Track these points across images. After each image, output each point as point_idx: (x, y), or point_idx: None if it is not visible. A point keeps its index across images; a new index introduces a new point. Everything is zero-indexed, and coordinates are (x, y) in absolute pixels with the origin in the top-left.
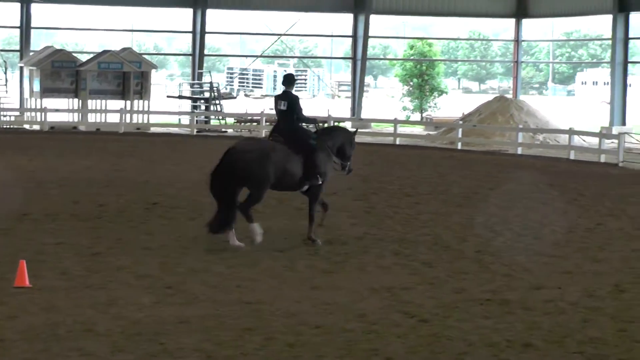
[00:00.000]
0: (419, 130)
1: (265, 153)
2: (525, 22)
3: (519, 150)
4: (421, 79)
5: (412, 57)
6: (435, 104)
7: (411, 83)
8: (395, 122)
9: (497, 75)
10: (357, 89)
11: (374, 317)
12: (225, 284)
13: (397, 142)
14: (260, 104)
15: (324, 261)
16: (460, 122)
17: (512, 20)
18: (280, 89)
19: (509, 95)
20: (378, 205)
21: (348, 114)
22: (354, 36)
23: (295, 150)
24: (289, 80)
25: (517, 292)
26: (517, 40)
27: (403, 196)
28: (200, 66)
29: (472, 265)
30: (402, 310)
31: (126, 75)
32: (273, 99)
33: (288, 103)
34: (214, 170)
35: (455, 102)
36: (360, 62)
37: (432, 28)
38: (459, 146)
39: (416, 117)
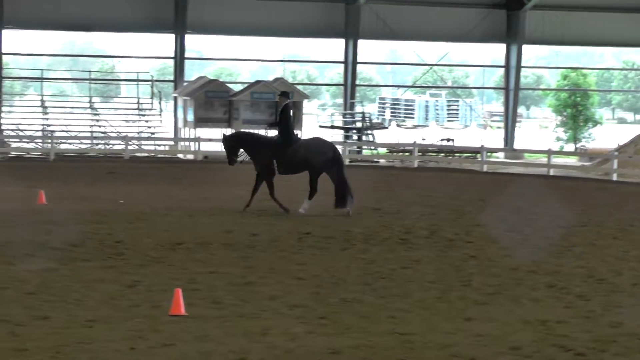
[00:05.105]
0: (572, 161)
1: None
2: None
3: None
4: (575, 109)
5: (565, 88)
6: (589, 135)
7: (565, 113)
8: (549, 152)
9: None
10: (509, 120)
11: (528, 350)
12: (377, 315)
13: (551, 173)
14: (412, 134)
15: (477, 292)
16: (616, 153)
17: None
18: (432, 117)
19: None
20: (531, 237)
21: (501, 144)
22: (507, 66)
23: None
24: (288, 94)
25: None
26: None
27: (556, 227)
28: (352, 96)
29: (629, 299)
30: (557, 344)
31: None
32: (284, 107)
33: (293, 112)
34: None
35: (609, 132)
36: (512, 93)
37: (584, 58)
38: (614, 177)
39: (570, 147)
